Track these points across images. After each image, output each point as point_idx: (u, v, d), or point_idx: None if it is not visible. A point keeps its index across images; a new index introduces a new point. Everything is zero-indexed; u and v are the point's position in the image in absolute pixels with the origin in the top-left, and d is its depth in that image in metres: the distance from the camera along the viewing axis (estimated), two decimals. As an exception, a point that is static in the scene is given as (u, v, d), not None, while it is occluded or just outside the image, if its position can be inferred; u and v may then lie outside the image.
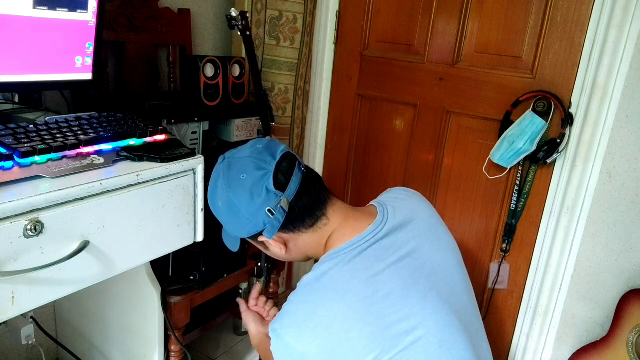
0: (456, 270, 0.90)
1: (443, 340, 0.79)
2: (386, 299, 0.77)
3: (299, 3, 1.64)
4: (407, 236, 0.86)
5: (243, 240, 0.94)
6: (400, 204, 0.92)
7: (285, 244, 0.88)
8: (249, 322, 1.13)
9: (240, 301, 1.19)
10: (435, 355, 0.77)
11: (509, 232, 1.57)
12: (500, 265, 1.60)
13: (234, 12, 1.09)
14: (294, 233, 0.87)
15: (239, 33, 1.11)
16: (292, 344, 0.77)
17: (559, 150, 1.42)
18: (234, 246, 0.95)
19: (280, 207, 0.82)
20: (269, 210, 0.82)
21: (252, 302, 1.19)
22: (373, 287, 0.78)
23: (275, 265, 1.55)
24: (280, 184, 0.83)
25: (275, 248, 0.89)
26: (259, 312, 1.17)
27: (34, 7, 0.90)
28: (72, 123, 0.92)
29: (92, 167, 0.83)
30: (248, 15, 1.14)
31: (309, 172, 0.89)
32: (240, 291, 1.65)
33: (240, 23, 1.08)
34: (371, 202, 0.94)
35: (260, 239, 0.88)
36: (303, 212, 0.85)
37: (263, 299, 1.19)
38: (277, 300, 1.67)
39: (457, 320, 0.82)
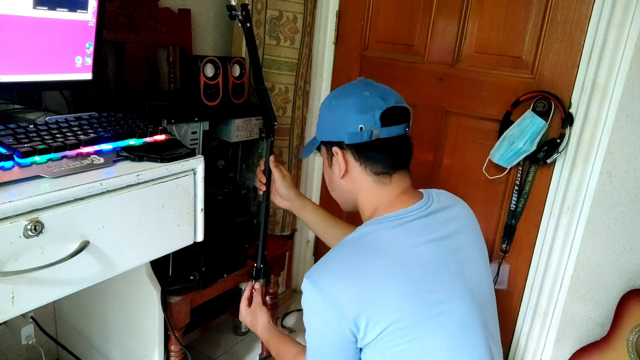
0: (483, 269, 0.93)
1: (464, 322, 0.82)
2: (421, 269, 0.81)
3: (299, 3, 1.64)
4: (447, 221, 0.91)
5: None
6: (444, 196, 0.98)
7: (348, 170, 0.93)
8: (263, 315, 1.16)
9: (255, 292, 1.22)
10: (454, 334, 0.80)
11: (509, 233, 1.57)
12: (499, 266, 1.60)
13: (233, 1, 1.10)
14: (360, 165, 0.92)
15: (240, 24, 1.11)
16: (326, 289, 0.79)
17: (559, 150, 1.42)
18: (307, 153, 1.05)
19: (369, 131, 0.87)
20: (360, 128, 0.87)
21: (245, 302, 1.21)
22: (410, 254, 0.82)
23: (272, 267, 1.54)
24: (385, 120, 0.88)
25: (337, 166, 0.93)
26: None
27: (34, 7, 0.90)
28: (72, 123, 0.92)
29: (92, 167, 0.83)
30: (249, 8, 1.14)
31: (406, 141, 0.93)
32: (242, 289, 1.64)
33: (240, 13, 1.09)
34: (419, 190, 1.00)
35: (334, 149, 0.92)
36: (379, 157, 0.90)
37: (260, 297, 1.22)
38: (277, 300, 1.67)
39: (478, 311, 0.85)
